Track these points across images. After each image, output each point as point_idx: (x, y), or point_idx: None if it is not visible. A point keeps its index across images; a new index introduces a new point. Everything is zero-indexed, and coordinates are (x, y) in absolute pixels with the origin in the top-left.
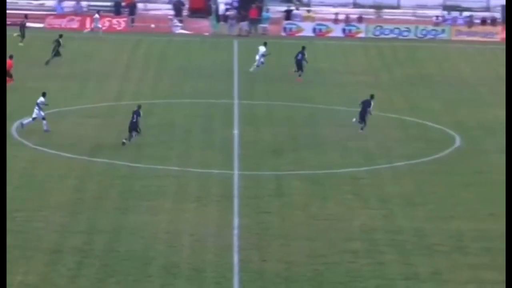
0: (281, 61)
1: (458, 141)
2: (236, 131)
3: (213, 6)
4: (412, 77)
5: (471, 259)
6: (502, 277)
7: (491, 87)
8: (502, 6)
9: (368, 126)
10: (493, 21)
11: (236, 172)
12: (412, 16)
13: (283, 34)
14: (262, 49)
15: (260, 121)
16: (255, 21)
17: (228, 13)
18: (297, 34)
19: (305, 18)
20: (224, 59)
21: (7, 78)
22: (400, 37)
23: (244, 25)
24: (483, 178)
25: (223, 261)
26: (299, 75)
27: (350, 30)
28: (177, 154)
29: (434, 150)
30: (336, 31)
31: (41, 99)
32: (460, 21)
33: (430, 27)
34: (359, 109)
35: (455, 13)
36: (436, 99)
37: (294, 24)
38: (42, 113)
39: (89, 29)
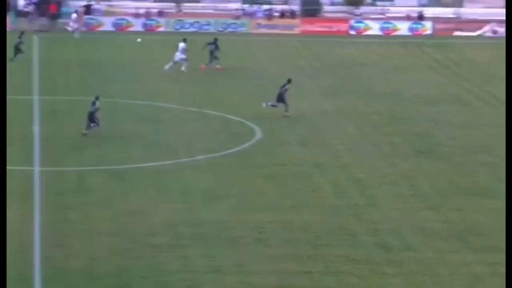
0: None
1: (259, 134)
2: (36, 127)
3: (12, 1)
4: (212, 71)
5: (273, 251)
6: (304, 267)
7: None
8: None
9: (168, 120)
10: (292, 14)
11: (37, 168)
12: (212, 9)
13: (83, 29)
14: (181, 45)
15: (61, 117)
16: (54, 16)
17: (27, 8)
18: (97, 29)
19: (105, 13)
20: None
21: None
22: (201, 30)
23: (43, 20)
24: (283, 170)
25: (24, 259)
26: (205, 64)
27: (151, 25)
28: None
29: (235, 143)
30: (137, 25)
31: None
32: (259, 14)
33: (230, 21)
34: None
35: (254, 6)
36: (237, 92)
37: (94, 19)
38: None
39: None
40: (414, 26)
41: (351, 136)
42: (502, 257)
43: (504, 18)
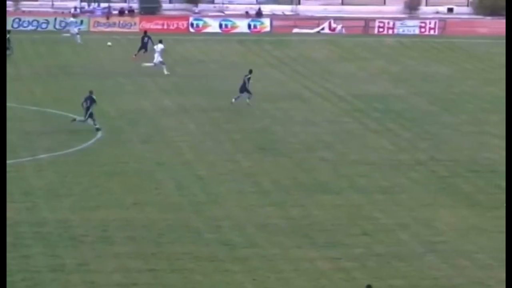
0: None
1: (100, 132)
2: None
3: None
4: (53, 69)
5: (116, 249)
6: (148, 265)
7: (131, 77)
8: None
9: (9, 119)
10: (131, 12)
11: None
12: (51, 8)
13: None
14: (160, 46)
15: None
16: None
17: None
18: None
19: None
20: None
21: None
22: (39, 29)
23: None
24: (126, 168)
25: None
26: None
27: None
28: None
29: (77, 141)
30: None
31: None
32: (98, 12)
33: (69, 19)
34: None
35: (93, 5)
36: (78, 90)
37: None
38: None
39: None
40: (253, 23)
41: (192, 134)
42: (344, 252)
43: (341, 15)
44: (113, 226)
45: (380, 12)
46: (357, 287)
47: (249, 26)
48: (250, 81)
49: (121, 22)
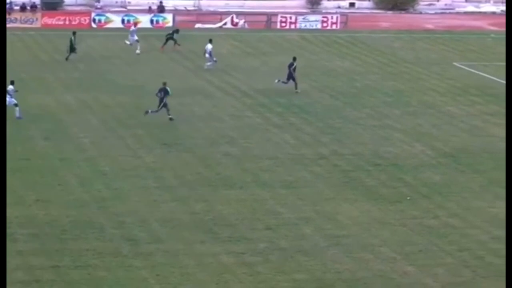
0: None
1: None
2: None
3: None
4: None
5: (20, 246)
6: (51, 262)
7: (31, 73)
8: None
9: None
10: (33, 8)
11: None
12: None
13: None
14: (209, 46)
15: None
16: None
17: None
18: None
19: None
20: None
21: None
22: None
23: None
24: (28, 164)
25: None
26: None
27: None
28: None
29: None
30: None
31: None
32: None
33: None
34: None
35: None
36: None
37: None
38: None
39: None
40: (155, 18)
41: (95, 129)
42: (248, 247)
43: (243, 10)
44: (16, 223)
45: (282, 7)
46: (261, 282)
47: (152, 21)
48: (294, 68)
49: (22, 18)
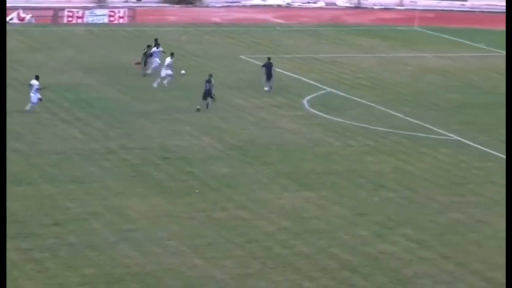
0: None
1: None
2: None
3: None
4: None
5: None
6: None
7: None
8: None
9: None
10: None
11: None
12: None
13: None
14: (168, 60)
15: None
16: None
17: None
18: None
19: None
20: None
21: None
22: None
23: None
24: None
25: None
26: None
27: None
28: None
29: None
30: None
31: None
32: None
33: None
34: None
35: None
36: None
37: None
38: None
39: None
40: None
41: None
42: (36, 243)
43: (30, 4)
44: None
45: (69, 1)
46: (50, 277)
47: None
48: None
49: None
